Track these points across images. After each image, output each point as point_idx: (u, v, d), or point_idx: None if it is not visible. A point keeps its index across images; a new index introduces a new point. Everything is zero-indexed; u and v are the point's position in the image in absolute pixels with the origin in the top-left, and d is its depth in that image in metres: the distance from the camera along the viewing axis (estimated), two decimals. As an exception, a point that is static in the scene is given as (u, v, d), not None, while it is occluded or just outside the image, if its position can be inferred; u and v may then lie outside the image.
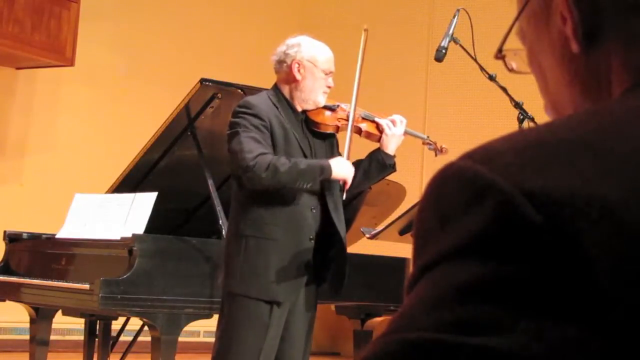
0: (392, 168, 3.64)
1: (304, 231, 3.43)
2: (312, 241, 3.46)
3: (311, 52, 3.53)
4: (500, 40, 0.78)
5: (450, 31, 3.43)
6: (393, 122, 3.65)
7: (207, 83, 4.11)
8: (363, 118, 3.70)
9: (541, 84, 0.76)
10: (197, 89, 4.13)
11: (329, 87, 3.57)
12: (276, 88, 3.55)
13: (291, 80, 3.52)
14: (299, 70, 3.50)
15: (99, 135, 7.62)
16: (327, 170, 3.40)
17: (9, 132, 7.42)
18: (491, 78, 3.37)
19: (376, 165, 3.62)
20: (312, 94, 3.52)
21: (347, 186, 3.47)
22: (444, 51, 3.42)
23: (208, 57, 7.92)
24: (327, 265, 3.52)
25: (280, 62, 3.54)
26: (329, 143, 3.64)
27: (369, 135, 3.69)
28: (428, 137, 3.78)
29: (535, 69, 0.76)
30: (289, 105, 3.51)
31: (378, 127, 3.69)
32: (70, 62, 7.15)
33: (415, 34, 8.14)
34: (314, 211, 3.47)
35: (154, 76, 7.80)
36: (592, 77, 0.70)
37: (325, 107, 3.60)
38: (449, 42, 3.42)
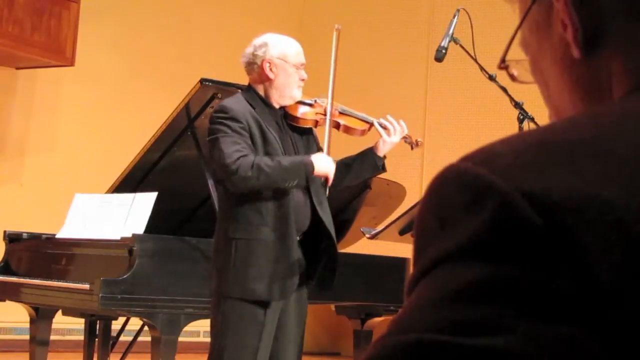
0: (383, 169, 3.69)
1: (292, 230, 3.44)
2: (298, 239, 3.48)
3: (279, 48, 3.54)
4: (503, 50, 0.78)
5: (450, 31, 3.43)
6: (386, 129, 3.64)
7: (207, 83, 4.11)
8: (341, 113, 3.72)
9: (544, 92, 0.76)
10: (197, 89, 4.13)
11: (302, 79, 3.57)
12: (250, 88, 3.57)
13: (264, 79, 3.53)
14: (270, 69, 3.51)
15: (99, 135, 7.62)
16: (309, 166, 3.41)
17: (9, 132, 7.42)
18: (491, 78, 3.38)
19: (368, 167, 3.67)
20: (287, 90, 3.54)
21: (330, 182, 3.48)
22: (444, 51, 3.42)
23: (208, 57, 7.92)
24: (317, 261, 3.54)
25: (250, 63, 3.56)
26: (309, 138, 3.65)
27: (347, 130, 3.72)
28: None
29: (538, 77, 0.76)
30: (265, 103, 3.53)
31: (360, 121, 3.71)
32: (70, 62, 7.15)
33: (415, 34, 8.14)
34: (301, 208, 3.48)
35: (154, 76, 7.80)
36: (593, 82, 0.70)
37: (303, 102, 3.62)
38: (449, 42, 3.42)
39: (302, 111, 3.60)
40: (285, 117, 3.58)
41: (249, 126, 3.41)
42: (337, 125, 3.69)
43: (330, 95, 3.66)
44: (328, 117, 3.61)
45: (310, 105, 3.64)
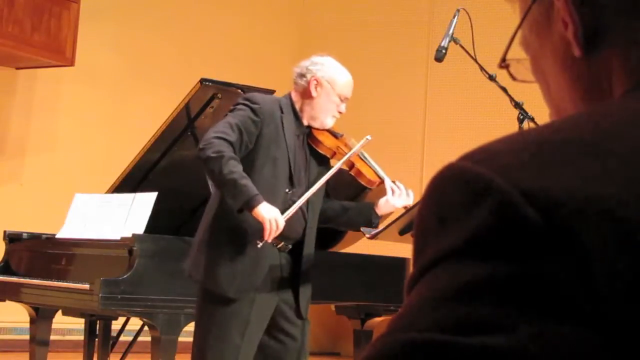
0: (375, 227, 3.70)
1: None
2: (289, 247, 3.49)
3: (332, 73, 3.56)
4: (504, 49, 0.78)
5: (450, 31, 3.43)
6: (393, 191, 3.65)
7: (207, 83, 4.12)
8: (359, 157, 3.72)
9: (545, 91, 0.76)
10: (197, 89, 4.13)
11: (340, 112, 3.59)
12: (289, 97, 3.58)
13: (306, 95, 3.55)
14: (315, 88, 3.53)
15: (99, 135, 7.62)
16: (253, 202, 3.28)
17: (9, 132, 7.42)
18: (491, 78, 3.38)
19: (362, 220, 3.68)
20: (322, 114, 3.55)
21: (266, 236, 3.32)
22: (444, 51, 3.42)
23: (208, 57, 7.92)
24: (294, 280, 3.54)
25: (300, 75, 3.57)
26: (323, 167, 3.64)
27: (358, 174, 3.71)
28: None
29: (538, 76, 0.76)
30: (296, 115, 3.53)
31: (372, 172, 3.72)
32: (70, 62, 7.15)
33: (415, 34, 8.14)
34: (294, 218, 3.46)
35: (154, 76, 7.80)
36: (593, 80, 0.70)
37: (331, 131, 3.63)
38: (449, 42, 3.42)
39: (325, 137, 3.61)
40: (309, 136, 3.59)
41: (262, 125, 3.41)
42: (350, 166, 3.69)
43: (355, 149, 3.64)
44: (343, 161, 3.60)
45: (335, 136, 3.65)
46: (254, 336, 3.43)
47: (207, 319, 3.41)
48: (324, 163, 3.64)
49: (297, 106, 3.55)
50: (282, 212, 3.39)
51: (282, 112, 3.48)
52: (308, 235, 3.55)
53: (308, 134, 3.58)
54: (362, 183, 3.76)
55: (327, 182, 3.59)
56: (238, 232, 3.39)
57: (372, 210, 3.66)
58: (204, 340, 3.40)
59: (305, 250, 3.54)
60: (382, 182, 3.73)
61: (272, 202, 3.36)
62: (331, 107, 3.55)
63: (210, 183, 4.07)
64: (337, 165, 3.59)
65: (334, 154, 3.63)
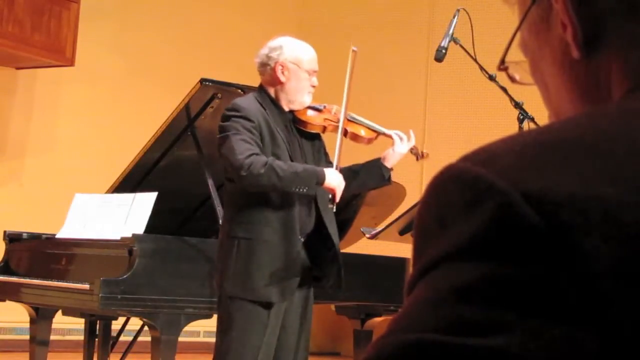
0: (388, 181, 3.72)
1: (295, 232, 3.45)
2: (302, 241, 3.49)
3: (294, 53, 3.55)
4: (503, 51, 0.78)
5: (450, 31, 3.44)
6: (401, 138, 3.68)
7: (207, 83, 4.12)
8: (349, 120, 3.73)
9: (544, 94, 0.76)
10: (197, 89, 4.13)
11: (313, 86, 3.59)
12: (262, 89, 3.58)
13: (276, 82, 3.54)
14: (282, 72, 3.52)
15: (99, 135, 7.62)
16: (321, 177, 3.43)
17: (9, 132, 7.42)
18: (491, 78, 3.38)
19: (375, 177, 3.69)
20: (298, 95, 3.55)
21: (337, 199, 3.49)
22: (444, 51, 3.42)
23: (208, 57, 7.92)
24: (320, 266, 3.56)
25: (263, 64, 3.56)
26: (317, 144, 3.67)
27: (355, 137, 3.74)
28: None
29: (537, 78, 0.76)
30: (276, 106, 3.54)
31: (367, 130, 3.72)
32: (70, 62, 7.15)
33: (415, 34, 8.14)
34: (306, 211, 3.49)
35: (154, 76, 7.80)
36: (592, 82, 0.70)
37: (312, 107, 3.63)
38: (449, 42, 3.42)
39: (310, 116, 3.61)
40: (294, 121, 3.59)
41: (259, 126, 3.43)
42: (344, 132, 3.70)
43: (344, 109, 3.66)
44: (340, 127, 3.62)
45: (319, 110, 3.65)
46: (272, 339, 3.45)
47: (229, 322, 3.42)
48: (314, 140, 3.66)
49: (272, 95, 3.55)
50: (304, 206, 3.49)
51: (264, 109, 3.49)
52: (325, 217, 3.55)
53: (293, 119, 3.59)
54: (362, 144, 3.76)
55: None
56: (262, 238, 3.42)
57: (380, 164, 3.66)
58: (225, 344, 3.42)
59: (330, 231, 3.56)
60: (379, 134, 3.74)
61: (289, 200, 3.43)
62: (304, 85, 3.56)
63: (210, 183, 4.08)
64: (338, 137, 3.62)
65: (325, 128, 3.65)
